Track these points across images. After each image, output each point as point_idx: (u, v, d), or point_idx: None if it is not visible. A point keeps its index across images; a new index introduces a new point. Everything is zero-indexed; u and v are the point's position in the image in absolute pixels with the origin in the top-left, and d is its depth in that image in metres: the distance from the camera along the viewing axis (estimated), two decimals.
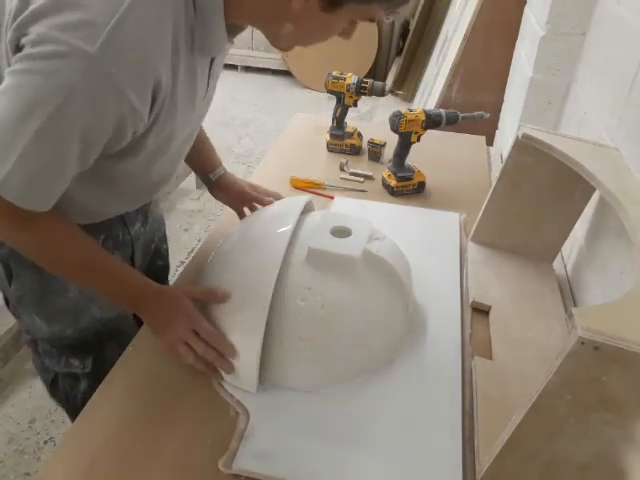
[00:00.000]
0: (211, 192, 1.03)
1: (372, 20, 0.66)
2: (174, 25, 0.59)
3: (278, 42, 0.69)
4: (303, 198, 0.87)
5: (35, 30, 0.54)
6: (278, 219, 0.83)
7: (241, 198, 1.01)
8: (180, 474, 0.64)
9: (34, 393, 1.62)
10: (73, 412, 1.04)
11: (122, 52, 0.54)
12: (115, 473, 0.64)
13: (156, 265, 1.09)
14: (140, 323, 0.98)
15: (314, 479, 0.63)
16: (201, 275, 0.84)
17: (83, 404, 0.97)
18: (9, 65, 0.58)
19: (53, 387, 0.98)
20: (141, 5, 0.55)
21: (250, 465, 0.64)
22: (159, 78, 0.59)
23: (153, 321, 0.75)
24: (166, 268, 1.16)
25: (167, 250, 1.15)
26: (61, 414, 1.56)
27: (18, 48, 0.56)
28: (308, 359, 0.73)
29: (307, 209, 0.87)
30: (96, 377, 0.93)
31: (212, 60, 0.73)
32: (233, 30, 0.68)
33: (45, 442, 1.49)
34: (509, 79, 1.69)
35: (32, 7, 0.55)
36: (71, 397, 0.97)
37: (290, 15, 0.62)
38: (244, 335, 0.72)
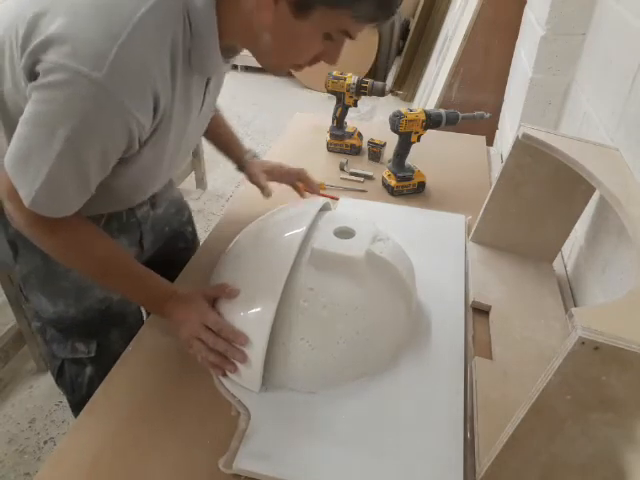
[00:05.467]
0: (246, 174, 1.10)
1: (346, 33, 0.67)
2: (172, 47, 0.63)
3: (263, 57, 0.73)
4: (319, 201, 0.87)
5: (48, 58, 0.58)
6: (293, 221, 0.83)
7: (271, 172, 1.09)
8: (180, 474, 0.64)
9: (34, 393, 1.62)
10: (77, 404, 1.06)
11: (126, 75, 0.58)
12: (115, 473, 0.64)
13: (178, 247, 1.13)
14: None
15: None
16: (214, 271, 0.85)
17: (88, 393, 1.00)
18: (25, 87, 0.62)
19: (60, 375, 1.01)
20: (142, 29, 0.59)
21: (250, 465, 0.64)
22: (158, 96, 0.64)
23: (174, 322, 0.78)
24: (189, 251, 1.15)
25: (193, 233, 1.19)
26: (61, 414, 1.56)
27: (33, 74, 0.60)
28: (310, 360, 0.73)
29: (324, 209, 0.88)
30: (100, 364, 0.97)
31: (208, 79, 0.78)
32: (228, 51, 0.74)
33: (45, 442, 1.49)
34: (509, 79, 1.69)
35: (47, 33, 0.58)
36: (76, 385, 1.01)
37: (265, 25, 0.65)
38: (250, 333, 0.72)
